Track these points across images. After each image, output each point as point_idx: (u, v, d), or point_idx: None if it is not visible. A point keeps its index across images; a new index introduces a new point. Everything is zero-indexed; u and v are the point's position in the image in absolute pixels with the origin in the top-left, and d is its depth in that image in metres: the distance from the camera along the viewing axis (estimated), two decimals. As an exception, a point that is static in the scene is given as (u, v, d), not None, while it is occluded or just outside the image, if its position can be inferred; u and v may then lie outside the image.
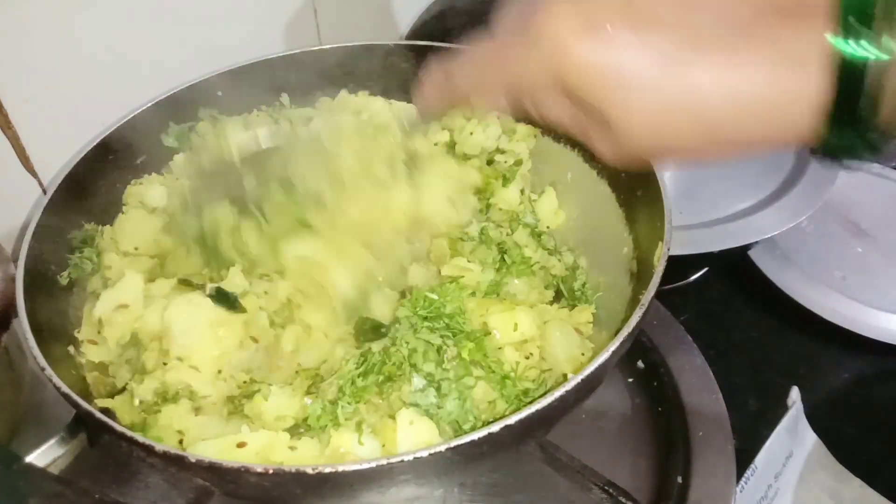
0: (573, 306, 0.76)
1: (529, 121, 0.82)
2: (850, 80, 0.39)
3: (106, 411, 0.61)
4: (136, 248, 0.76)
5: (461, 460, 0.53)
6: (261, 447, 0.59)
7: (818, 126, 0.41)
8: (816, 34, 0.39)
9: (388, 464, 0.50)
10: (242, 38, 0.94)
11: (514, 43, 0.49)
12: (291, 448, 0.60)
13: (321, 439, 0.62)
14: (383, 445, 0.61)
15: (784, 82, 0.42)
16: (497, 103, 0.53)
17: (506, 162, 0.85)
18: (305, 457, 0.60)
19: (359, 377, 0.64)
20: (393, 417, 0.62)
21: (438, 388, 0.64)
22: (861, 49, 0.38)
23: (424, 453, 0.50)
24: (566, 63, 0.46)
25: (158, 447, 0.51)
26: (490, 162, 0.86)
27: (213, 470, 0.51)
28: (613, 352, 0.56)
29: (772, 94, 0.42)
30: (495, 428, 0.51)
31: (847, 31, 0.38)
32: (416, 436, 0.61)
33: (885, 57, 0.37)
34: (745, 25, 0.42)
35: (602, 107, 0.46)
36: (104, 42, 0.82)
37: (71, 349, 0.68)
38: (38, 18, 0.76)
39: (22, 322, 0.61)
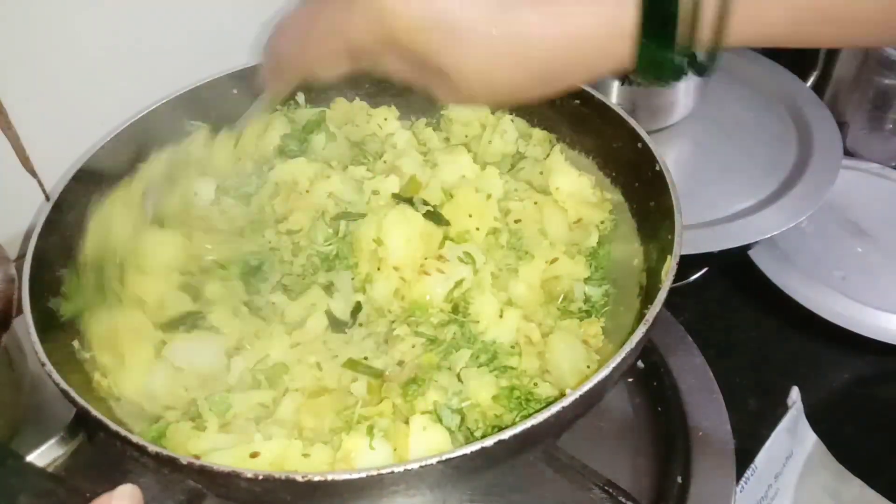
0: (581, 318, 0.74)
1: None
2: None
3: (104, 410, 0.61)
4: None
5: (454, 473, 0.53)
6: (274, 457, 0.58)
7: (633, 51, 0.46)
8: None
9: (379, 475, 0.49)
10: (242, 38, 0.94)
11: (331, 6, 0.50)
12: (305, 455, 0.59)
13: (333, 444, 0.61)
14: (395, 450, 0.60)
15: (605, 16, 0.46)
16: (338, 67, 0.53)
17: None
18: (319, 464, 0.59)
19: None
20: (406, 422, 0.61)
21: (459, 395, 0.64)
22: None
23: (415, 465, 0.49)
24: (393, 22, 0.47)
25: (151, 447, 0.52)
26: (512, 167, 0.85)
27: (204, 473, 0.51)
28: (614, 368, 0.56)
29: (595, 30, 0.47)
30: (489, 443, 0.50)
31: None
32: (429, 443, 0.60)
33: None
34: None
35: (436, 59, 0.48)
36: (104, 42, 0.82)
37: (75, 343, 0.68)
38: (38, 18, 0.76)
39: (26, 318, 0.61)
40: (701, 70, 0.47)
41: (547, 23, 0.46)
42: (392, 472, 0.49)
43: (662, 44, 0.46)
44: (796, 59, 1.22)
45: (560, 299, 0.74)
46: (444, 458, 0.50)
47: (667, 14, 0.44)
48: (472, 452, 0.50)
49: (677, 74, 0.47)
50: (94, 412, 0.55)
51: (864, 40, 0.57)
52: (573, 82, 0.51)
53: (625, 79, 0.99)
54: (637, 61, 0.47)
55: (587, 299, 0.74)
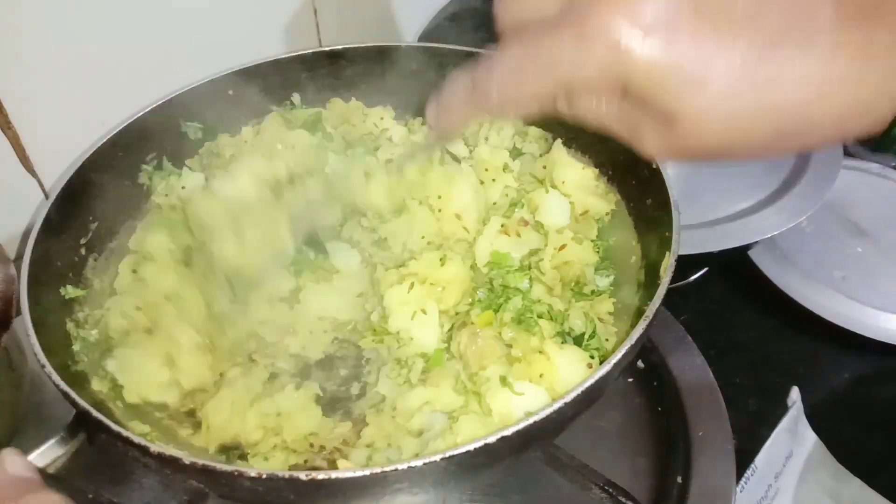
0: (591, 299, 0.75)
1: (544, 120, 0.82)
2: None
3: (104, 411, 0.61)
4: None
5: (456, 470, 0.53)
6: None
7: (890, 116, 0.42)
8: None
9: (382, 472, 0.49)
10: (242, 38, 0.94)
11: (556, 42, 0.45)
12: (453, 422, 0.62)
13: (481, 407, 0.63)
14: (546, 388, 0.63)
15: (868, 76, 0.41)
16: (529, 110, 0.49)
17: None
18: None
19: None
20: (541, 352, 0.64)
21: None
22: None
23: (418, 463, 0.49)
24: (633, 63, 0.43)
25: (153, 448, 0.51)
26: (514, 156, 0.85)
27: (207, 472, 0.51)
28: (615, 364, 0.56)
29: (855, 89, 0.42)
30: (492, 439, 0.50)
31: None
32: (572, 366, 0.63)
33: None
34: (824, 21, 0.41)
35: (670, 108, 0.44)
36: (104, 42, 0.82)
37: (75, 347, 0.68)
38: (38, 18, 0.76)
39: (25, 319, 0.61)
40: None
41: (799, 75, 0.42)
42: (395, 470, 0.49)
43: None
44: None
45: (573, 283, 0.75)
46: (447, 455, 0.50)
47: None
48: (474, 449, 0.50)
49: None
50: (96, 413, 0.54)
51: None
52: (817, 142, 0.46)
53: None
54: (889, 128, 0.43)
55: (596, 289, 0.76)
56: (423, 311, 0.68)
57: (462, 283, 0.72)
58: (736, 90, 0.42)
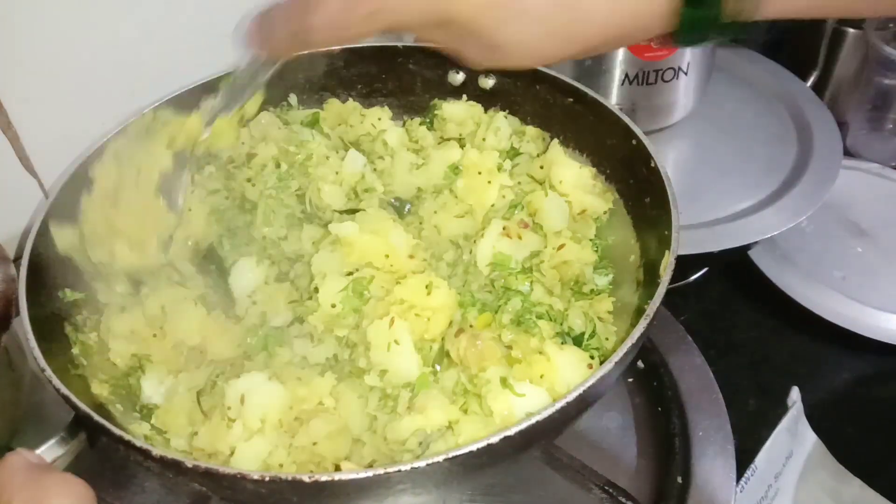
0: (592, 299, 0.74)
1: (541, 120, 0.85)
2: None
3: (105, 414, 0.61)
4: None
5: (460, 471, 0.53)
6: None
7: (675, 14, 0.51)
8: None
9: (386, 473, 0.49)
10: (242, 38, 0.94)
11: None
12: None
13: (482, 408, 0.62)
14: (541, 377, 0.63)
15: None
16: (354, 37, 0.54)
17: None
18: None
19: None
20: (541, 352, 0.64)
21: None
22: None
23: (422, 464, 0.49)
24: (456, 4, 0.50)
25: (155, 451, 0.51)
26: (512, 156, 0.85)
27: (209, 475, 0.51)
28: (617, 363, 0.56)
29: (643, 8, 0.52)
30: (495, 439, 0.50)
31: None
32: (572, 367, 0.63)
33: None
34: None
35: (492, 37, 0.52)
36: (104, 42, 0.82)
37: (75, 350, 0.68)
38: (38, 18, 0.76)
39: (24, 322, 0.61)
40: (734, 37, 0.53)
41: (600, 4, 0.51)
42: (399, 471, 0.49)
43: (704, 15, 0.51)
44: (796, 59, 1.23)
45: (572, 283, 0.75)
46: (450, 455, 0.50)
47: None
48: (477, 449, 0.50)
49: (713, 40, 0.54)
50: (97, 417, 0.54)
51: (868, 11, 0.64)
52: (611, 49, 0.58)
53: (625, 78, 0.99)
54: (679, 30, 0.52)
55: (595, 288, 0.76)
56: (397, 342, 0.65)
57: (450, 311, 0.69)
58: (549, 21, 0.51)
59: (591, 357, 0.66)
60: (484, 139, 0.85)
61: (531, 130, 0.87)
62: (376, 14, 0.51)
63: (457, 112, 0.87)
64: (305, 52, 0.62)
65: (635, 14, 0.52)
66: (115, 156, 0.69)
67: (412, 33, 0.56)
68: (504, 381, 0.63)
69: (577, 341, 0.69)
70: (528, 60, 0.56)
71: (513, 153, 0.86)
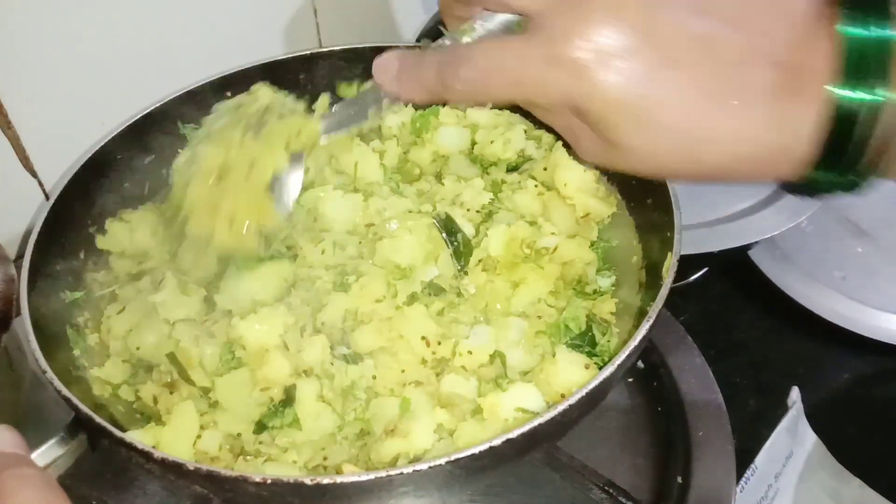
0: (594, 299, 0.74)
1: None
2: (844, 126, 0.45)
3: (106, 416, 0.61)
4: None
5: (462, 473, 0.53)
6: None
7: (805, 168, 0.48)
8: (818, 88, 0.45)
9: (388, 476, 0.49)
10: (242, 38, 0.94)
11: (523, 60, 0.49)
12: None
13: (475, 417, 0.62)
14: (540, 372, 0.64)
15: (789, 131, 0.46)
16: (488, 101, 0.54)
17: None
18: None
19: None
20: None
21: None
22: (858, 93, 0.44)
23: (424, 466, 0.50)
24: (590, 92, 0.47)
25: (156, 453, 0.51)
26: (514, 168, 0.84)
27: (210, 478, 0.51)
28: (619, 365, 0.56)
29: (777, 142, 0.47)
30: (497, 442, 0.51)
31: (847, 82, 0.44)
32: (573, 366, 0.63)
33: (879, 99, 0.44)
34: (760, 83, 0.46)
35: (615, 136, 0.49)
36: (104, 42, 0.82)
37: (76, 352, 0.68)
38: (38, 18, 0.76)
39: (25, 323, 0.61)
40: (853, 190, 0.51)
41: (730, 125, 0.47)
42: (401, 474, 0.49)
43: (834, 172, 0.49)
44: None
45: (575, 283, 0.75)
46: (452, 458, 0.50)
47: (848, 151, 0.46)
48: (480, 452, 0.50)
49: (849, 189, 0.51)
50: (98, 419, 0.54)
51: None
52: (734, 181, 0.52)
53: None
54: (806, 179, 0.49)
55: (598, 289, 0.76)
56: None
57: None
58: (675, 132, 0.48)
59: (592, 357, 0.66)
60: (492, 142, 0.84)
61: (546, 137, 0.86)
62: (517, 86, 0.50)
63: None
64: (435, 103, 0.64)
65: (766, 143, 0.47)
66: (221, 137, 0.66)
67: (538, 110, 0.53)
68: (500, 384, 0.63)
69: (580, 342, 0.69)
70: (644, 168, 0.52)
71: (521, 160, 0.85)
